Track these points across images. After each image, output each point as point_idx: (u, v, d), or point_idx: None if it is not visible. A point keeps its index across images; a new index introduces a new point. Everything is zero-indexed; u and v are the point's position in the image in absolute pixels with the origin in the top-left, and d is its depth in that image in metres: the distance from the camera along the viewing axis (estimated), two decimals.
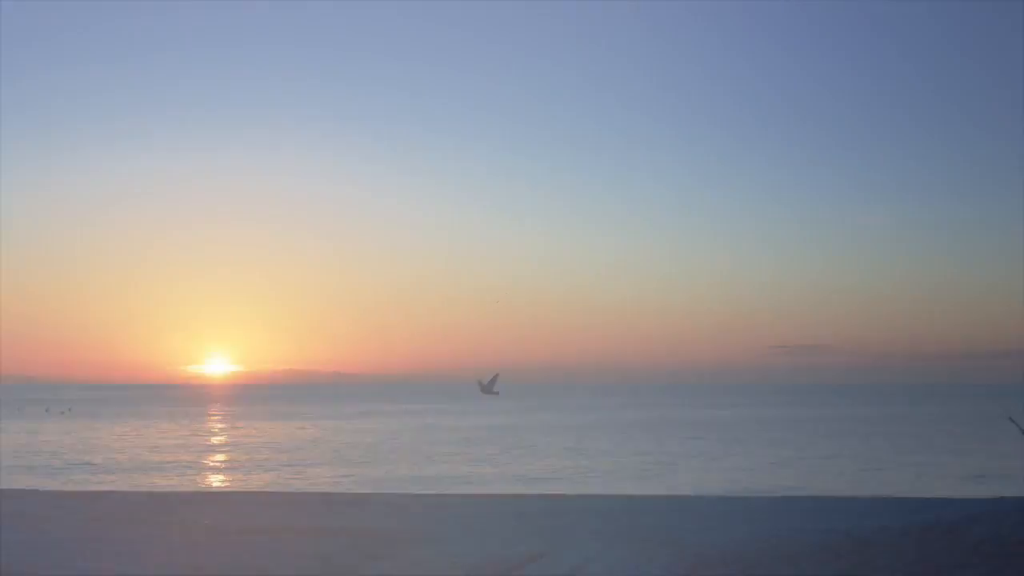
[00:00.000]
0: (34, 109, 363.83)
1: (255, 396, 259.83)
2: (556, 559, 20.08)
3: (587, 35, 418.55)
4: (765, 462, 58.93)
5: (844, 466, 56.63)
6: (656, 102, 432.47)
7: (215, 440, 79.92)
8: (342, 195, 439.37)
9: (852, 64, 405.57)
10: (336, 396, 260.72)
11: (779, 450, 68.41)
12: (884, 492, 42.64)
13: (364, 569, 19.22)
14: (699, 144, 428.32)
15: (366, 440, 78.46)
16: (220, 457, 63.01)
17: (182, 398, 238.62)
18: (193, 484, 46.68)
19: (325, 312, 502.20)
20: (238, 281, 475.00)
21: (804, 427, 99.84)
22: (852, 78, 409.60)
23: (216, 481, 49.05)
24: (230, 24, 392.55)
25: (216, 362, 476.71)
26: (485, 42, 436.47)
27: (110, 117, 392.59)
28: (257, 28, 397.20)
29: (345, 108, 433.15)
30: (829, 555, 16.79)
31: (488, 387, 33.50)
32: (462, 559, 20.24)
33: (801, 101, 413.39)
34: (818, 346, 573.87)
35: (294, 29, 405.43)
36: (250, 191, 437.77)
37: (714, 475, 51.19)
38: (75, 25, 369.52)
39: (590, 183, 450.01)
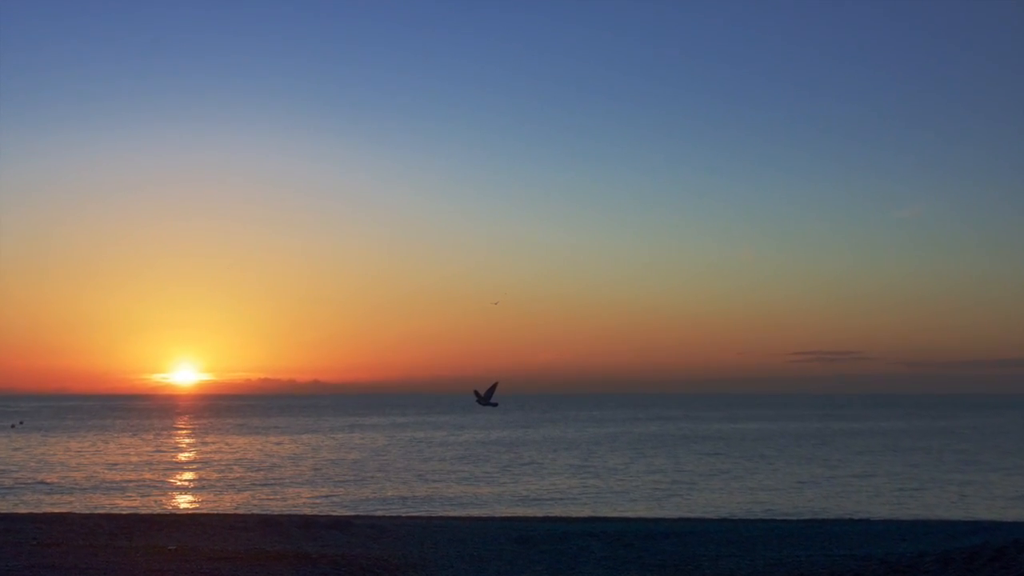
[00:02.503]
0: None
1: (226, 408, 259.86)
2: None
3: (613, 34, 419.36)
4: (792, 481, 58.95)
5: (879, 485, 56.64)
6: (677, 99, 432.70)
7: (182, 457, 79.93)
8: (323, 187, 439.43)
9: (870, 59, 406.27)
10: (316, 407, 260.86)
11: (807, 467, 68.43)
12: (924, 515, 42.66)
13: None
14: (718, 140, 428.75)
15: (350, 456, 78.46)
16: (188, 476, 63.03)
17: (146, 410, 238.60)
18: (158, 505, 46.67)
19: (303, 315, 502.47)
20: (208, 282, 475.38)
21: (834, 442, 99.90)
22: (871, 72, 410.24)
23: (183, 502, 49.04)
24: (218, 19, 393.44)
25: (183, 370, 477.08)
26: (500, 37, 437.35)
27: (67, 113, 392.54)
28: (245, 23, 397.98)
29: (333, 101, 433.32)
30: None
31: (486, 397, 33.68)
32: None
33: (824, 96, 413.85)
34: (848, 352, 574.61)
35: (280, 26, 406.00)
36: (222, 184, 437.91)
37: (735, 495, 51.18)
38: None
39: (603, 182, 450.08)
